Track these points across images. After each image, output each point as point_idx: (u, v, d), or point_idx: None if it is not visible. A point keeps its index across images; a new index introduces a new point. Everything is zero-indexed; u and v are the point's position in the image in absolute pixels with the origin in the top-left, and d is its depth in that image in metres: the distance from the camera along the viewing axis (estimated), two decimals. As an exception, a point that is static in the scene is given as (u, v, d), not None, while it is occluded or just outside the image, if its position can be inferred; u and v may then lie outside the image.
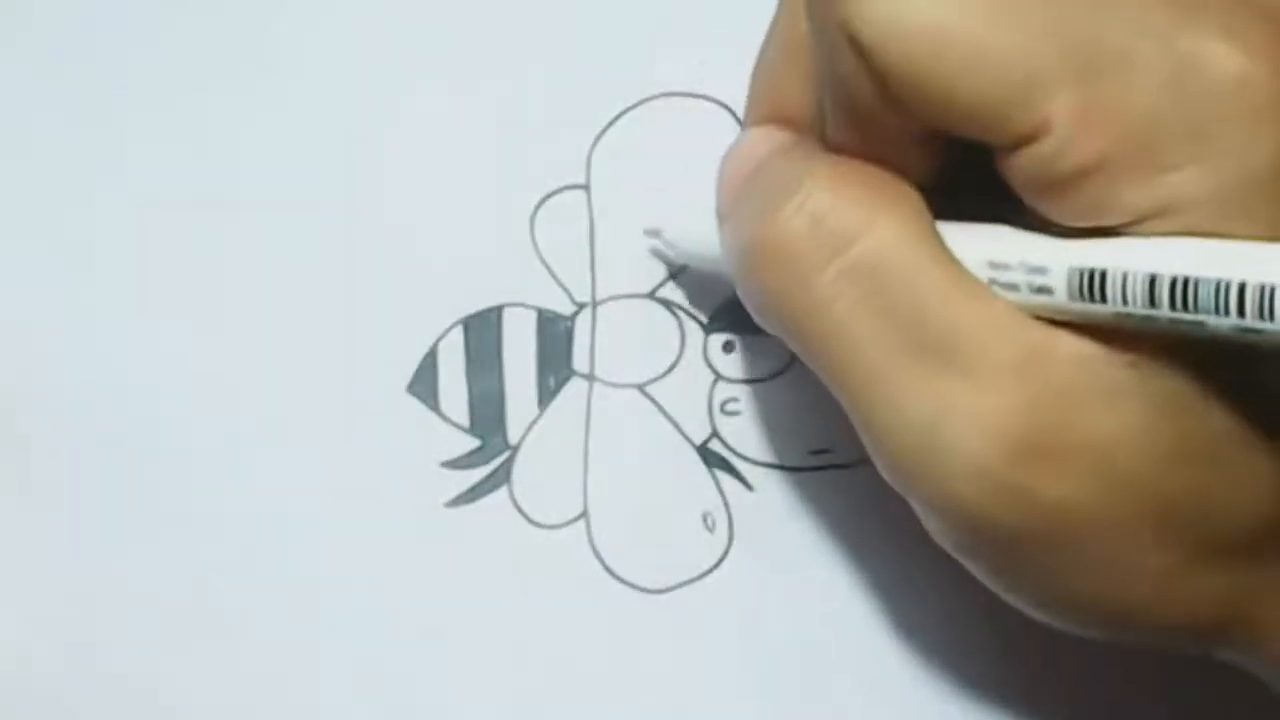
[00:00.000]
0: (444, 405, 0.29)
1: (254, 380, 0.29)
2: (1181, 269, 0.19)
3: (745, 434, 0.29)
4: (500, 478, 0.29)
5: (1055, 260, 0.21)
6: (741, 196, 0.24)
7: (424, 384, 0.29)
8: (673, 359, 0.29)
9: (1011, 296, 0.21)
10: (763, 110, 0.25)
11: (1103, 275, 0.20)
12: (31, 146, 0.29)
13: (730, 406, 0.29)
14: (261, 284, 0.29)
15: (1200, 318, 0.19)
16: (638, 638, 0.29)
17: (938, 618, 0.29)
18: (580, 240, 0.29)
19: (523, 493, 0.29)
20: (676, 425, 0.29)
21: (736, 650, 0.29)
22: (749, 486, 0.29)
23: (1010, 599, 0.23)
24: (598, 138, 0.29)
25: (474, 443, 0.29)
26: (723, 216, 0.25)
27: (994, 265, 0.21)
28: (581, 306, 0.29)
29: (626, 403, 0.29)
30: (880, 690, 0.29)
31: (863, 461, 0.29)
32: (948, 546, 0.23)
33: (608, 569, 0.29)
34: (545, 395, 0.29)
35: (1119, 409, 0.21)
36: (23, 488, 0.28)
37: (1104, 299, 0.20)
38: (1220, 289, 0.19)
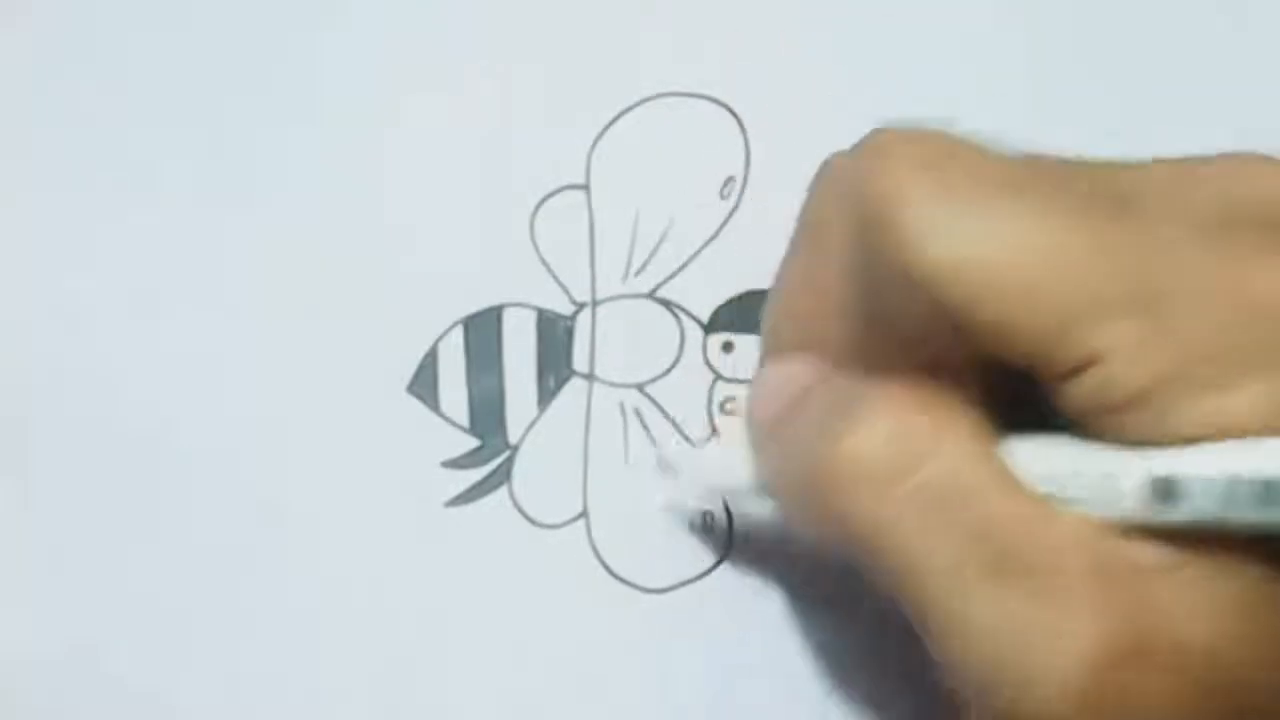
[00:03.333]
0: (444, 405, 0.29)
1: (254, 380, 0.29)
2: (1261, 470, 0.20)
3: (745, 433, 0.29)
4: (500, 478, 0.29)
5: (1124, 469, 0.21)
6: (790, 425, 0.24)
7: (424, 384, 0.29)
8: (673, 359, 0.29)
9: (1078, 509, 0.21)
10: (786, 342, 0.25)
11: (1175, 482, 0.20)
12: (31, 145, 0.29)
13: (730, 406, 0.29)
14: (262, 284, 0.29)
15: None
16: (638, 638, 0.29)
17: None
18: (580, 240, 0.29)
19: (523, 492, 0.29)
20: (676, 425, 0.29)
21: (736, 650, 0.29)
22: (749, 486, 0.29)
23: None
24: (598, 138, 0.29)
25: (474, 443, 0.29)
26: (762, 445, 0.25)
27: (1058, 477, 0.22)
28: (581, 306, 0.29)
29: (626, 402, 0.29)
30: (880, 690, 0.29)
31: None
32: None
33: (608, 569, 0.29)
34: (545, 395, 0.29)
35: (1203, 616, 0.21)
36: (24, 489, 0.28)
37: (1177, 504, 0.20)
38: None
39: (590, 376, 0.29)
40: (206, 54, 0.29)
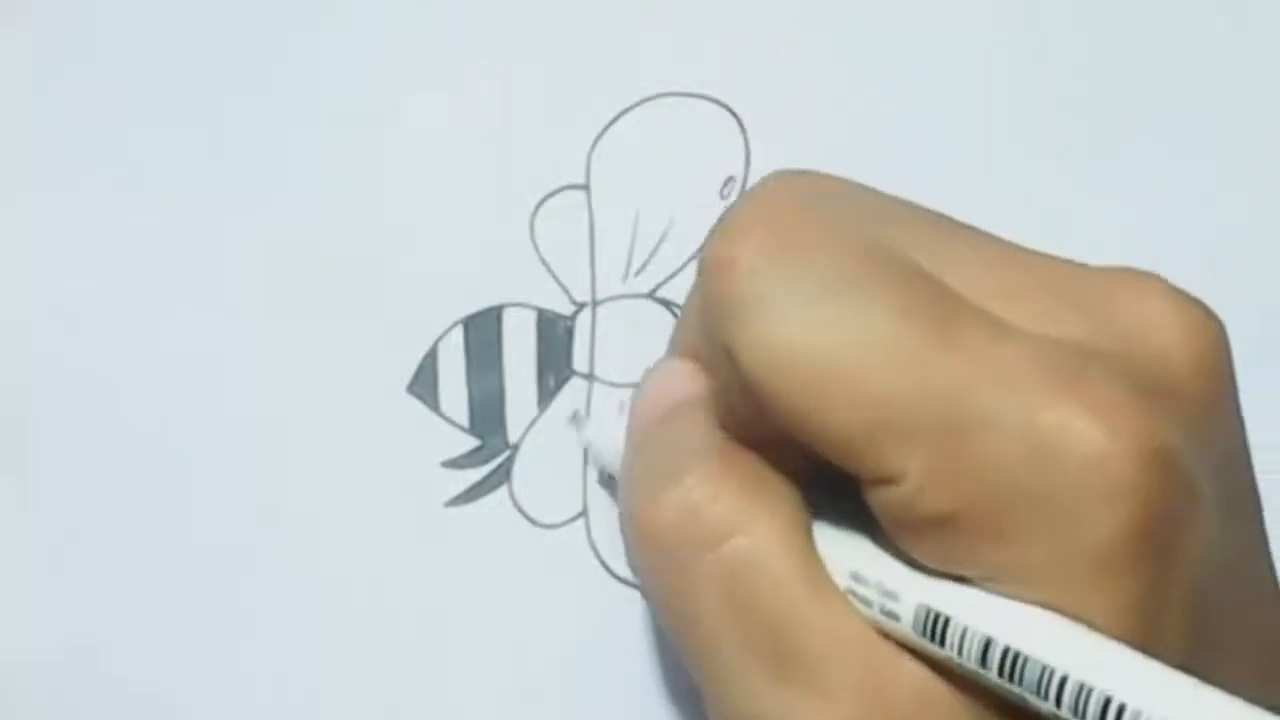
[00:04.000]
0: (444, 405, 0.29)
1: (254, 380, 0.29)
2: (1015, 642, 0.20)
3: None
4: (500, 478, 0.29)
5: (907, 591, 0.21)
6: (642, 452, 0.25)
7: (424, 384, 0.29)
8: (673, 359, 0.29)
9: (865, 611, 0.21)
10: (686, 343, 0.26)
11: (946, 621, 0.20)
12: (31, 145, 0.29)
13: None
14: (262, 284, 0.29)
15: (1024, 693, 0.19)
16: (638, 637, 0.29)
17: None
18: (580, 240, 0.29)
19: (523, 492, 0.29)
20: (676, 425, 0.29)
21: (736, 650, 0.29)
22: (749, 486, 0.29)
23: None
24: (598, 138, 0.29)
25: (474, 443, 0.29)
26: (627, 451, 0.26)
27: (855, 577, 0.22)
28: (581, 306, 0.29)
29: (626, 402, 0.29)
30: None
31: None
32: None
33: (608, 569, 0.29)
34: (545, 395, 0.29)
35: None
36: (24, 489, 0.28)
37: (943, 643, 0.20)
38: (1045, 674, 0.19)
39: (590, 376, 0.29)
40: (206, 54, 0.29)
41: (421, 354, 0.29)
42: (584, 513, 0.29)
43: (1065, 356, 0.20)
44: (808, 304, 0.21)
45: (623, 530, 0.25)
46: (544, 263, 0.29)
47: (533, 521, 0.29)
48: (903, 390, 0.20)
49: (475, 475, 0.29)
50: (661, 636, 0.29)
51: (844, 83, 0.29)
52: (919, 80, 0.29)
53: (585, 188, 0.29)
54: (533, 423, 0.29)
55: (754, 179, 0.29)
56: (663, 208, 0.29)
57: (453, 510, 0.29)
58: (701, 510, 0.22)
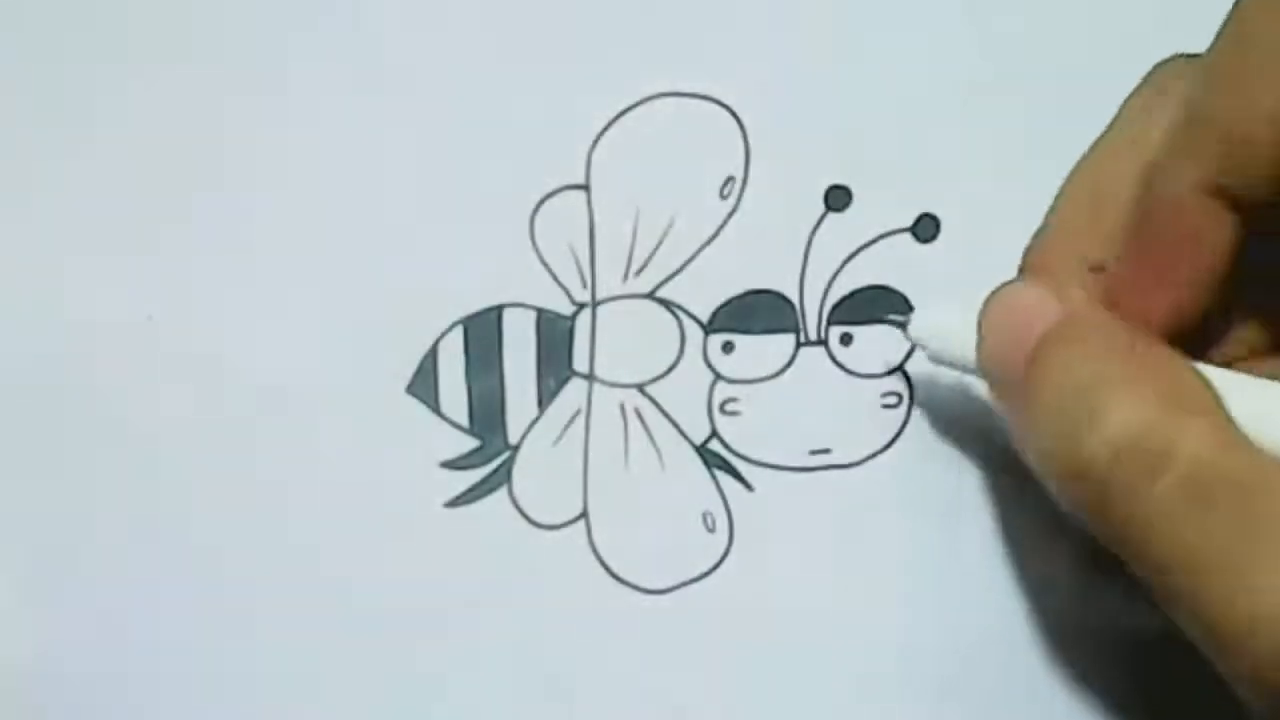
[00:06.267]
0: (444, 405, 0.29)
1: (254, 380, 0.29)
2: None
3: (745, 434, 0.29)
4: (500, 478, 0.29)
5: None
6: (1035, 394, 0.24)
7: (424, 384, 0.29)
8: (673, 359, 0.29)
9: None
10: (1052, 254, 0.26)
11: None
12: (31, 145, 0.29)
13: (730, 406, 0.29)
14: (261, 283, 0.29)
15: None
16: (638, 638, 0.29)
17: (934, 616, 0.29)
18: (580, 240, 0.29)
19: (523, 493, 0.29)
20: (676, 425, 0.29)
21: (736, 650, 0.29)
22: (749, 486, 0.29)
23: None
24: (598, 138, 0.29)
25: (474, 443, 0.29)
26: (1002, 385, 0.25)
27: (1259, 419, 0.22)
28: (581, 306, 0.29)
29: (626, 403, 0.29)
30: (878, 689, 0.29)
31: (863, 461, 0.29)
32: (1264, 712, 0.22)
33: (608, 569, 0.29)
34: (545, 395, 0.29)
35: None
36: (25, 489, 0.28)
37: None
38: None
39: (590, 376, 0.29)
40: (207, 54, 0.29)
41: (421, 354, 0.29)
42: (584, 513, 0.29)
43: None
44: None
45: (1038, 465, 0.23)
46: (544, 263, 0.29)
47: (533, 522, 0.29)
48: None
49: (475, 475, 0.29)
50: (661, 638, 0.29)
51: (844, 83, 0.29)
52: (919, 81, 0.29)
53: (585, 188, 0.29)
54: (533, 423, 0.29)
55: (754, 179, 0.29)
56: (663, 208, 0.29)
57: (453, 510, 0.29)
58: (1133, 444, 0.22)
